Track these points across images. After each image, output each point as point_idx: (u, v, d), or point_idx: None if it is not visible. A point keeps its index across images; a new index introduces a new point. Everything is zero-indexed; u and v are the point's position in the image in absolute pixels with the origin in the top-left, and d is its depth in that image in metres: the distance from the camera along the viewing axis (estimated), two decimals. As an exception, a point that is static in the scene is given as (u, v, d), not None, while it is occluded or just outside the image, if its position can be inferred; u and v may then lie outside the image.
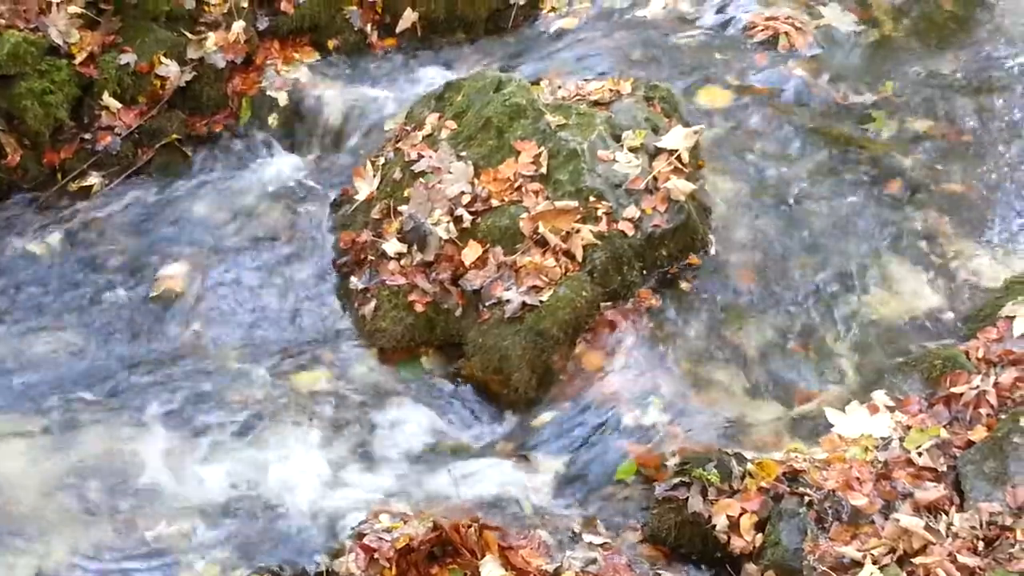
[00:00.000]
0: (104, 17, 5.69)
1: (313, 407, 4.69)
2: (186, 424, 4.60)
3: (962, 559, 3.78)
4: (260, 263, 5.28)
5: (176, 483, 4.39)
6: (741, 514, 4.09)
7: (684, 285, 4.97)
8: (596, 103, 5.29)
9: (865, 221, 5.23)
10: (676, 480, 4.21)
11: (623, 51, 5.96)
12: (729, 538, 4.08)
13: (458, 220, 4.93)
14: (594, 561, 4.02)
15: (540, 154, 5.02)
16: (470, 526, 4.01)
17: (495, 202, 4.95)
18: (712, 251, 5.08)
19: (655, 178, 5.03)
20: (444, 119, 5.31)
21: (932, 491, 4.05)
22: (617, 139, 5.13)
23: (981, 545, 3.85)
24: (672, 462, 4.31)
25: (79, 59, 5.55)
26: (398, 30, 6.17)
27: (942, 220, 5.25)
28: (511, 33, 6.28)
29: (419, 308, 4.88)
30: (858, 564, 3.86)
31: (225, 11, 5.87)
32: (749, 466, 4.18)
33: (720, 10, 6.19)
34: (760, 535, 4.06)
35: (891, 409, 4.47)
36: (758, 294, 4.98)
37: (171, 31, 5.77)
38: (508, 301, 4.74)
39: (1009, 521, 3.91)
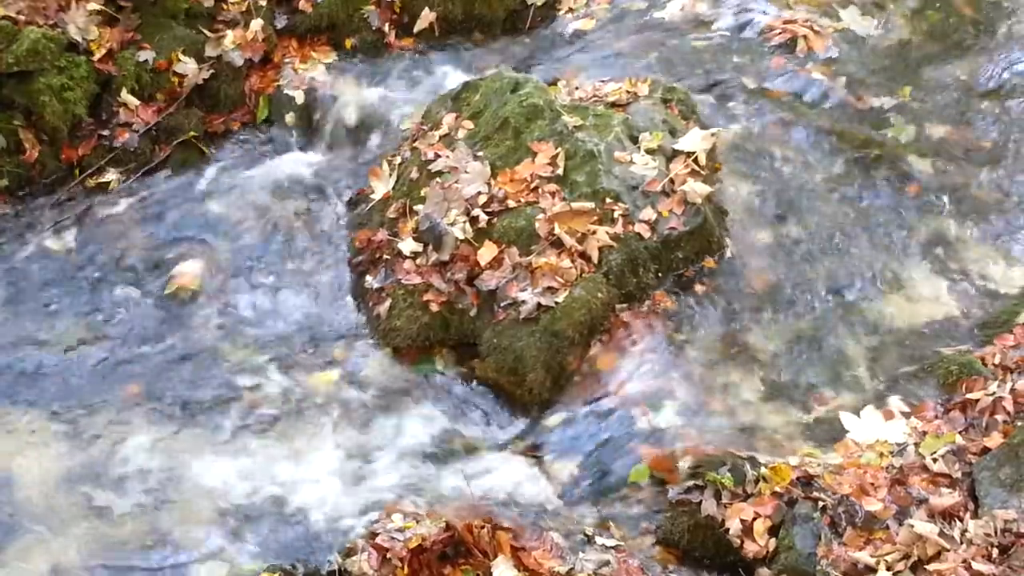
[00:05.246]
0: (123, 14, 5.71)
1: (326, 405, 4.70)
2: (199, 422, 4.61)
3: (976, 566, 3.76)
4: (275, 261, 5.29)
5: (189, 481, 4.39)
6: (755, 518, 4.09)
7: (699, 288, 4.97)
8: (613, 104, 5.30)
9: (882, 225, 5.22)
10: (690, 483, 4.20)
11: (640, 53, 5.95)
12: (742, 542, 4.07)
13: (474, 220, 4.93)
14: (607, 563, 4.02)
15: (557, 155, 5.02)
16: (483, 526, 4.02)
17: (511, 203, 4.95)
18: (728, 254, 5.08)
19: (672, 180, 5.03)
20: (461, 119, 5.31)
21: (947, 497, 4.04)
22: (634, 141, 5.13)
23: (996, 552, 3.83)
24: (685, 465, 4.31)
25: (98, 56, 5.58)
26: (416, 30, 6.18)
27: (959, 225, 5.24)
28: (528, 34, 6.28)
29: (434, 308, 4.88)
30: (872, 570, 3.85)
31: (243, 9, 5.89)
32: (763, 470, 4.17)
33: (738, 13, 6.18)
34: (773, 539, 4.06)
35: (906, 415, 4.47)
36: (773, 298, 4.97)
37: (190, 28, 5.80)
38: (523, 302, 4.74)
39: (1024, 528, 3.90)
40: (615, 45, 6.03)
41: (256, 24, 5.84)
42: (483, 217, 4.93)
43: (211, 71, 5.75)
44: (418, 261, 4.97)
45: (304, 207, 5.49)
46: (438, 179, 5.08)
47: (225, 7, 5.91)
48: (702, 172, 5.11)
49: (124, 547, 4.14)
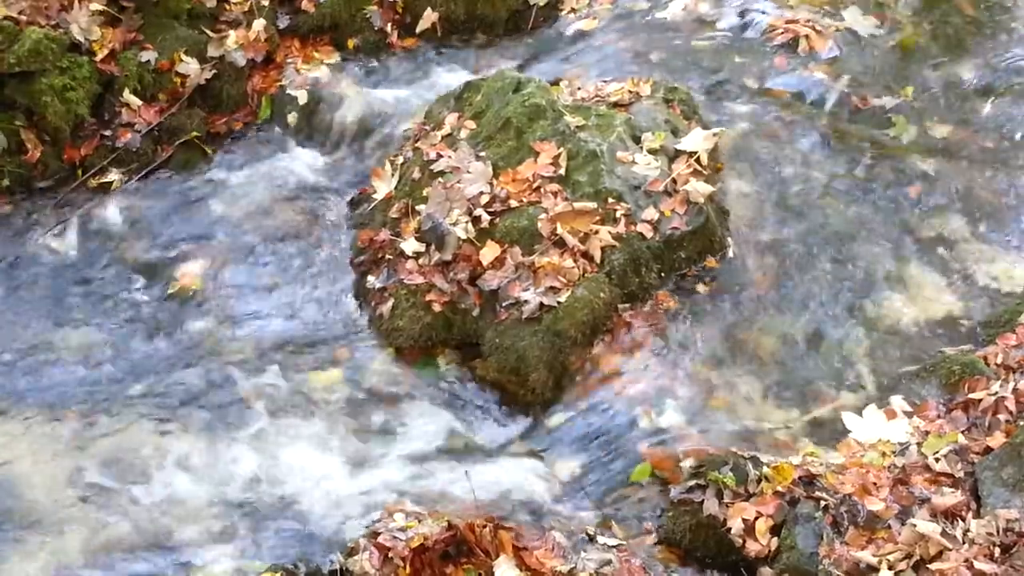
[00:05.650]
0: (125, 14, 5.72)
1: (329, 405, 4.70)
2: (201, 421, 4.61)
3: (979, 565, 3.76)
4: (278, 261, 5.29)
5: (191, 480, 4.40)
6: (757, 518, 4.09)
7: (702, 288, 4.97)
8: (616, 104, 5.29)
9: (884, 225, 5.21)
10: (691, 483, 4.20)
11: (642, 53, 5.95)
12: (744, 541, 4.07)
13: (476, 220, 4.93)
14: (609, 562, 4.02)
15: (559, 155, 5.02)
16: (485, 526, 4.02)
17: (514, 202, 4.95)
18: (730, 254, 5.07)
19: (674, 180, 5.03)
20: (463, 119, 5.31)
21: (949, 497, 4.04)
22: (636, 141, 5.13)
23: (998, 552, 3.83)
24: (687, 465, 4.30)
25: (100, 56, 5.59)
26: (418, 30, 6.18)
27: (962, 225, 5.23)
28: (531, 34, 6.28)
29: (436, 307, 4.88)
30: (874, 569, 3.84)
31: (246, 9, 5.90)
32: (765, 470, 4.17)
33: (740, 13, 6.17)
34: (775, 539, 4.05)
35: (909, 414, 4.46)
36: (776, 297, 4.97)
37: (192, 29, 5.80)
38: (526, 301, 4.74)
39: (1026, 528, 3.89)
40: (617, 45, 6.03)
41: (258, 24, 5.84)
42: (485, 217, 4.93)
43: (213, 71, 5.75)
44: (420, 261, 4.97)
45: (306, 207, 5.49)
46: (440, 179, 5.08)
47: (227, 7, 5.92)
48: (704, 172, 5.11)
49: (125, 547, 4.14)
